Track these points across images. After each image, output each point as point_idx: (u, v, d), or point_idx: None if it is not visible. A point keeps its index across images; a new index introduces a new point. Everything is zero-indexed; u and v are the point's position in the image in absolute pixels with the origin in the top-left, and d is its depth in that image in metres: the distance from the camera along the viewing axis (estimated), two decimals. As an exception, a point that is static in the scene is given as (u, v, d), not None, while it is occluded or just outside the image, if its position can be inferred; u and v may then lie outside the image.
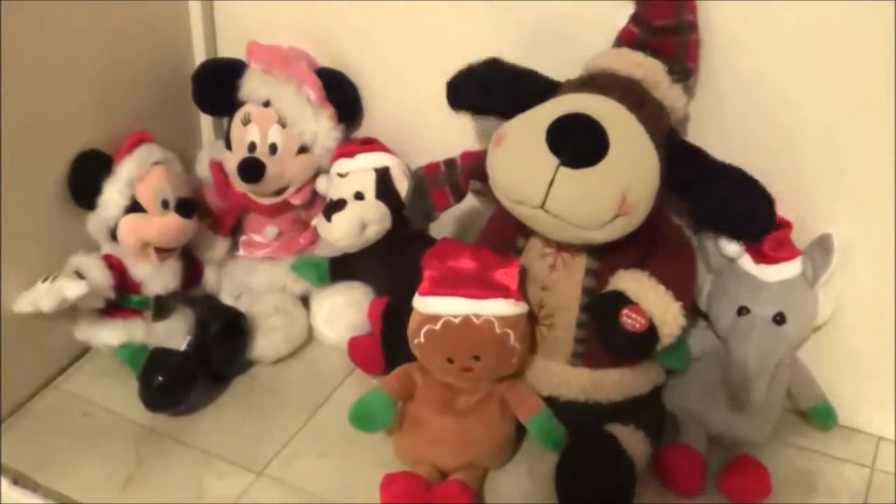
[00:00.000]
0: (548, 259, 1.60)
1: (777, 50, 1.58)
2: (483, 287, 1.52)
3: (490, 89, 1.65)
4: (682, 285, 1.55)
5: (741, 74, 1.61)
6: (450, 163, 1.71)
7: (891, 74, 1.49)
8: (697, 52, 1.60)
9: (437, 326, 1.52)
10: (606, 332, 1.51)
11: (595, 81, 1.55)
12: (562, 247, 1.58)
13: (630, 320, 1.47)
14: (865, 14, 1.48)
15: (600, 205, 1.41)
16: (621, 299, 1.49)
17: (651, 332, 1.48)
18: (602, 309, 1.52)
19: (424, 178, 1.72)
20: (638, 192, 1.43)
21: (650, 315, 1.48)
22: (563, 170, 1.39)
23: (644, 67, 1.56)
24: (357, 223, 1.84)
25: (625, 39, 1.62)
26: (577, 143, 1.40)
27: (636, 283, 1.51)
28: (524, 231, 1.60)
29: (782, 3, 1.53)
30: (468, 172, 1.68)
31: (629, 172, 1.43)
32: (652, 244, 1.57)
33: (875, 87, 1.52)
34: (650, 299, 1.49)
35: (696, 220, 1.65)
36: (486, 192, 1.66)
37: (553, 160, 1.39)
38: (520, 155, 1.45)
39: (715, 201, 1.56)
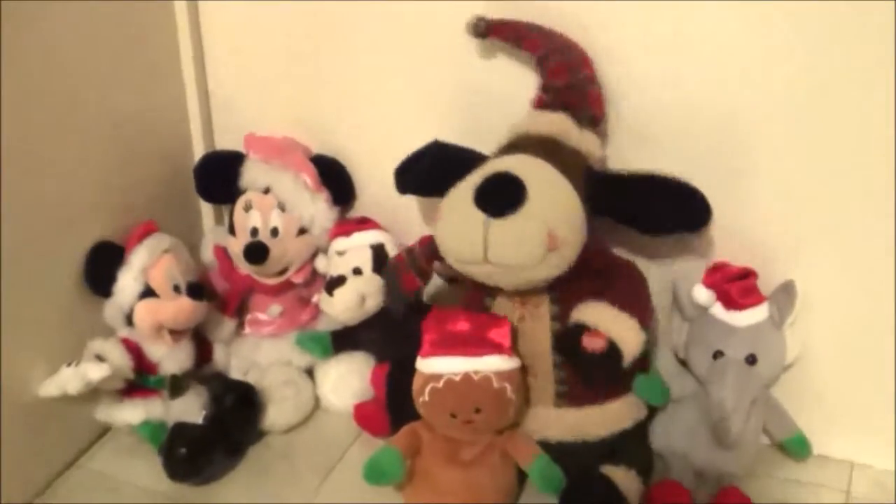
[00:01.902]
0: (516, 313, 1.71)
1: (733, 97, 1.68)
2: (479, 346, 1.62)
3: (432, 173, 1.78)
4: (634, 303, 1.64)
5: (696, 122, 1.72)
6: (410, 250, 1.83)
7: (849, 123, 1.61)
8: (601, 102, 1.74)
9: (440, 384, 1.62)
10: (574, 361, 1.64)
11: (512, 145, 1.70)
12: (525, 300, 1.70)
13: (591, 343, 1.58)
14: (827, 60, 1.59)
15: (531, 244, 1.54)
16: (580, 328, 1.60)
17: (613, 349, 1.58)
18: (565, 342, 1.64)
19: (392, 270, 1.85)
20: (562, 228, 1.56)
21: (609, 335, 1.58)
22: (493, 222, 1.53)
23: (553, 123, 1.70)
24: (357, 297, 1.93)
25: (538, 104, 1.76)
26: (499, 196, 1.54)
27: (590, 312, 1.61)
28: (490, 292, 1.72)
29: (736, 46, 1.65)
30: (427, 254, 1.78)
31: (551, 212, 1.56)
32: (605, 282, 1.67)
33: (832, 142, 1.63)
34: (606, 321, 1.60)
35: (644, 233, 1.72)
36: (449, 272, 1.78)
37: (482, 216, 1.54)
38: (456, 220, 1.60)
39: (650, 213, 1.66)
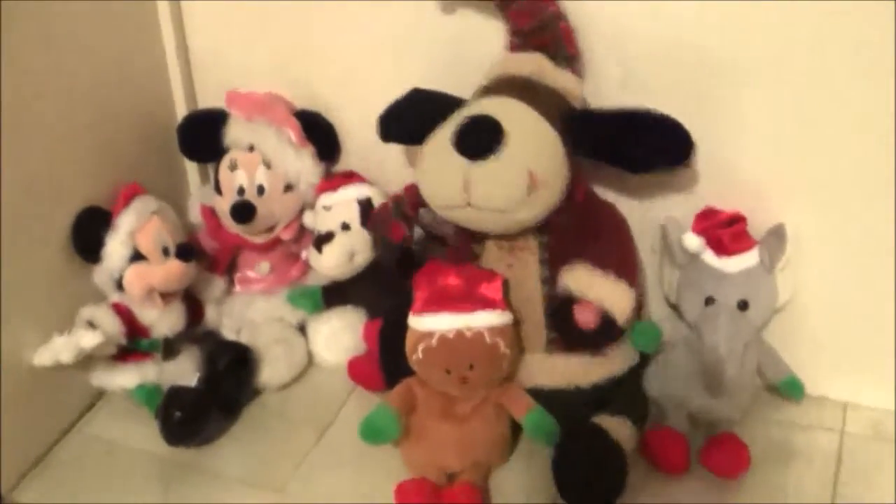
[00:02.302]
0: (504, 261, 1.72)
1: (718, 31, 1.67)
2: (471, 301, 1.63)
3: (414, 120, 1.77)
4: (621, 263, 1.65)
5: (680, 61, 1.71)
6: (396, 198, 1.83)
7: (837, 69, 1.60)
8: (574, 38, 1.73)
9: (433, 342, 1.62)
10: (570, 338, 1.65)
11: (489, 88, 1.70)
12: (513, 246, 1.71)
13: (583, 318, 1.59)
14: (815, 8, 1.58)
15: (512, 185, 1.56)
16: (570, 301, 1.61)
17: (607, 319, 1.60)
18: (558, 319, 1.65)
19: (379, 219, 1.85)
20: (543, 167, 1.58)
21: (601, 305, 1.60)
22: (473, 167, 1.55)
23: (527, 64, 1.70)
24: (346, 252, 1.95)
25: (510, 49, 1.76)
26: (478, 139, 1.56)
27: (578, 280, 1.62)
28: (477, 238, 1.73)
29: None
30: (413, 201, 1.79)
31: (530, 151, 1.57)
32: (590, 227, 1.69)
33: (821, 83, 1.62)
34: (595, 290, 1.60)
35: (627, 170, 1.71)
36: (434, 223, 1.78)
37: (463, 161, 1.55)
38: (436, 166, 1.62)
39: (632, 150, 1.66)
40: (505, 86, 1.67)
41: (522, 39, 1.73)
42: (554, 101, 1.67)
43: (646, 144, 1.65)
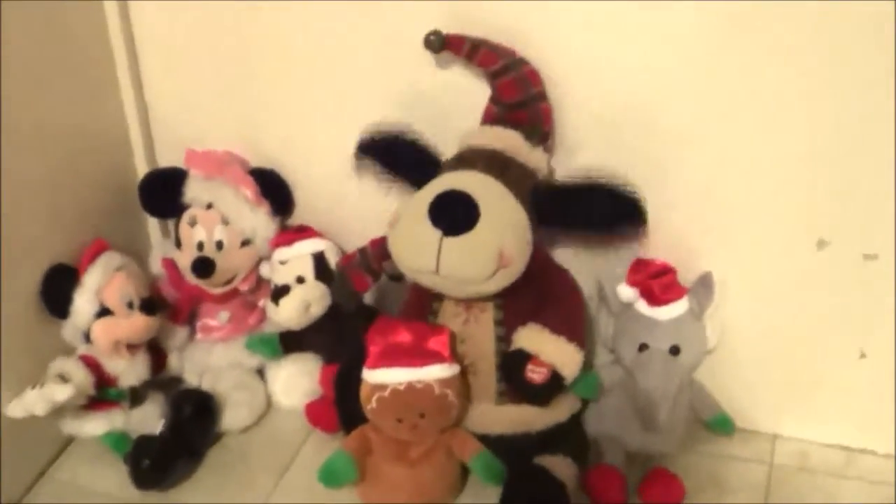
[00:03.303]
0: (461, 317, 1.81)
1: (642, 106, 1.77)
2: (421, 356, 1.72)
3: (391, 148, 1.84)
4: (572, 326, 1.75)
5: (621, 129, 1.80)
6: (362, 250, 1.91)
7: (763, 124, 1.71)
8: (551, 117, 1.81)
9: (386, 393, 1.72)
10: (519, 389, 1.73)
11: (464, 158, 1.77)
12: (470, 304, 1.80)
13: (534, 374, 1.69)
14: (734, 65, 1.68)
15: (482, 263, 1.65)
16: (523, 356, 1.70)
17: (555, 376, 1.70)
18: (509, 370, 1.74)
19: (344, 268, 1.93)
20: (512, 247, 1.67)
21: (551, 362, 1.69)
22: (446, 239, 1.63)
23: (502, 140, 1.77)
24: (302, 304, 2.02)
25: (487, 117, 1.83)
26: (454, 215, 1.64)
27: (531, 339, 1.72)
28: (436, 296, 1.81)
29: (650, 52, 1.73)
30: (379, 255, 1.87)
31: (502, 231, 1.66)
32: (543, 291, 1.78)
33: (744, 145, 1.74)
34: (548, 349, 1.70)
35: (587, 234, 1.84)
36: (398, 273, 1.83)
37: (436, 233, 1.63)
38: (410, 232, 1.69)
39: (592, 218, 1.75)
40: (479, 158, 1.74)
41: (503, 111, 1.80)
42: (524, 178, 1.75)
43: (605, 212, 1.74)
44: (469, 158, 1.76)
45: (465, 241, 1.63)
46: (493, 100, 1.81)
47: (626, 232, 1.81)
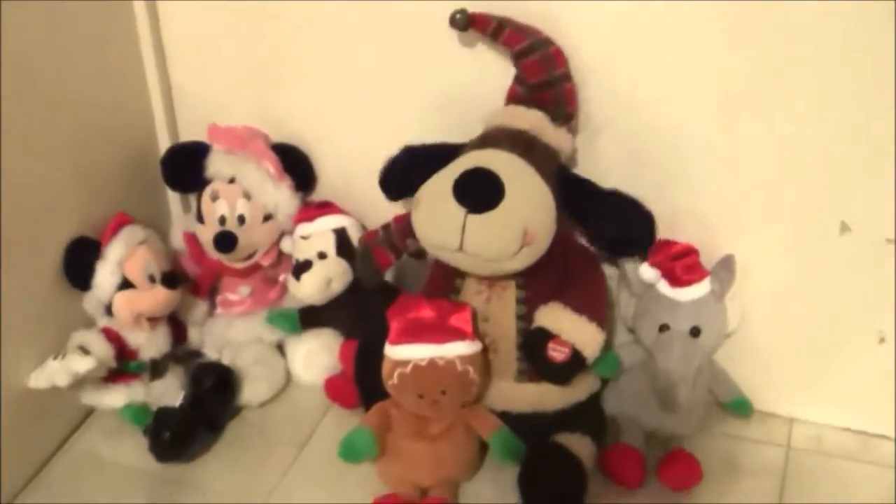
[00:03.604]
0: (483, 294, 1.81)
1: (669, 88, 1.78)
2: (443, 332, 1.73)
3: (412, 176, 1.80)
4: (594, 306, 1.76)
5: (637, 114, 1.81)
6: (385, 227, 1.90)
7: (786, 109, 1.71)
8: (575, 98, 1.81)
9: (408, 369, 1.72)
10: (540, 368, 1.74)
11: (488, 137, 1.77)
12: (493, 283, 1.80)
13: (555, 353, 1.70)
14: (764, 45, 1.68)
15: (506, 240, 1.65)
16: (545, 335, 1.71)
17: (576, 356, 1.70)
18: (531, 348, 1.75)
19: (367, 245, 1.92)
20: (536, 225, 1.67)
21: (572, 342, 1.70)
22: (471, 217, 1.63)
23: (527, 119, 1.77)
24: (323, 280, 2.03)
25: (511, 97, 1.82)
26: (478, 193, 1.64)
27: (554, 318, 1.72)
28: (459, 273, 1.81)
29: (669, 36, 1.74)
30: (402, 232, 1.86)
31: (526, 209, 1.66)
32: (566, 270, 1.78)
33: (767, 125, 1.74)
34: (569, 328, 1.71)
35: (592, 243, 1.84)
36: (420, 250, 1.83)
37: (461, 210, 1.63)
38: (434, 210, 1.69)
39: (604, 229, 1.78)
40: (504, 138, 1.74)
41: (527, 91, 1.79)
42: (549, 158, 1.75)
43: (618, 235, 1.79)
44: (494, 137, 1.76)
45: (490, 218, 1.63)
46: (518, 80, 1.81)
47: (626, 250, 1.84)
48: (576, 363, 1.71)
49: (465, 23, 1.78)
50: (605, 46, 1.79)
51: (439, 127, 1.89)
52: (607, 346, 1.83)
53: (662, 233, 1.85)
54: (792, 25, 1.64)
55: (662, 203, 1.83)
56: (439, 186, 1.68)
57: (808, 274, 1.84)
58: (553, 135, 1.78)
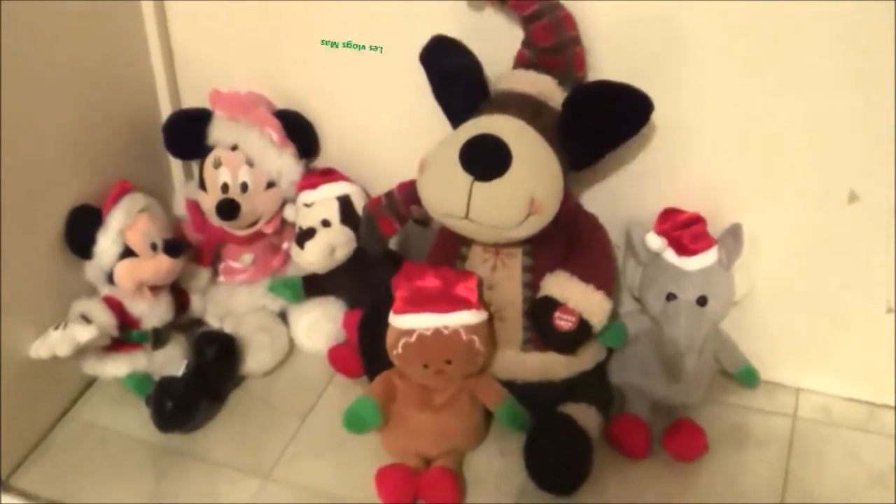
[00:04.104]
0: (489, 262, 1.80)
1: (676, 55, 1.76)
2: (448, 301, 1.71)
3: (456, 59, 1.81)
4: (601, 274, 1.74)
5: (645, 83, 1.73)
6: (389, 194, 1.89)
7: (795, 77, 1.69)
8: (584, 62, 1.78)
9: (413, 339, 1.71)
10: (546, 337, 1.73)
11: (496, 102, 1.75)
12: (499, 250, 1.78)
13: (562, 321, 1.68)
14: (781, 17, 1.65)
15: (513, 208, 1.63)
16: (551, 304, 1.70)
17: (583, 325, 1.69)
18: (537, 316, 1.73)
19: (371, 212, 1.91)
20: (543, 192, 1.65)
21: (579, 311, 1.69)
22: (477, 184, 1.61)
23: (536, 84, 1.75)
24: (327, 248, 2.01)
25: (520, 61, 1.80)
26: (485, 160, 1.62)
27: (561, 286, 1.71)
28: (465, 241, 1.80)
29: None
30: (406, 199, 1.85)
31: (533, 177, 1.64)
32: (572, 238, 1.77)
33: (775, 90, 1.71)
34: (575, 297, 1.69)
35: (608, 144, 1.76)
36: (425, 217, 1.83)
37: (468, 177, 1.61)
38: (441, 176, 1.66)
39: (607, 119, 1.71)
40: (512, 103, 1.73)
41: (536, 55, 1.77)
42: (555, 123, 1.73)
43: (618, 112, 1.71)
44: (501, 102, 1.74)
45: (497, 186, 1.61)
46: (526, 44, 1.79)
47: (636, 126, 1.75)
48: (582, 332, 1.70)
49: None
50: (617, 13, 1.77)
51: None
52: (613, 316, 1.82)
53: (670, 202, 1.84)
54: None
55: (669, 172, 1.84)
56: (445, 153, 1.66)
57: (816, 243, 1.83)
58: (561, 100, 1.75)
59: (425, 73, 1.84)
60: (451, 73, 1.82)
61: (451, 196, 1.64)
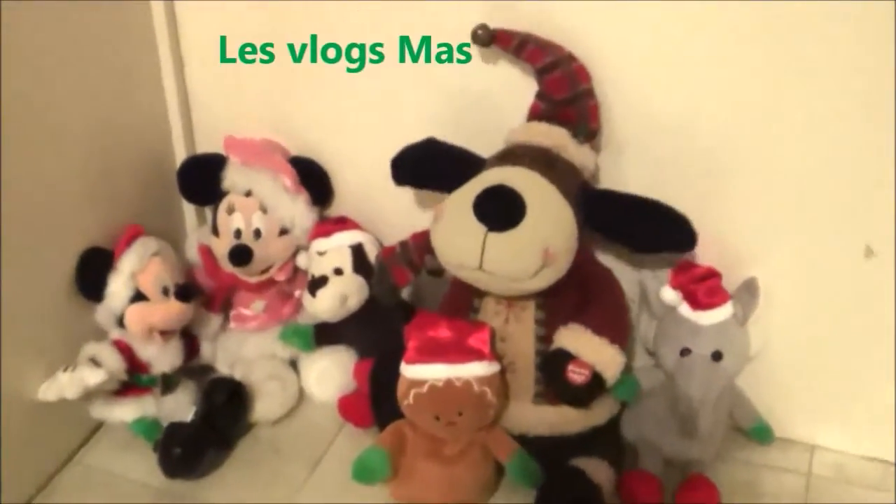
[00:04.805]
0: (501, 315, 1.79)
1: (693, 108, 1.75)
2: (460, 353, 1.71)
3: (426, 166, 1.84)
4: (615, 328, 1.72)
5: (660, 133, 1.79)
6: (403, 244, 1.88)
7: (810, 135, 1.69)
8: (598, 115, 1.79)
9: (424, 390, 1.70)
10: (559, 390, 1.71)
11: (510, 154, 1.75)
12: (511, 302, 1.77)
13: (575, 375, 1.66)
14: (787, 72, 1.66)
15: (527, 259, 1.62)
16: (565, 356, 1.67)
17: (596, 378, 1.67)
18: (550, 369, 1.72)
19: (384, 261, 1.90)
20: (557, 244, 1.64)
21: (592, 364, 1.67)
22: (491, 235, 1.60)
23: (550, 136, 1.75)
24: (339, 297, 2.00)
25: (534, 113, 1.80)
26: (499, 211, 1.61)
27: (574, 339, 1.69)
28: (477, 293, 1.79)
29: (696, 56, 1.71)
30: (420, 249, 1.84)
31: (547, 228, 1.63)
32: (586, 291, 1.76)
33: (793, 146, 1.71)
34: (589, 351, 1.67)
35: (632, 251, 1.82)
36: (438, 268, 1.80)
37: (481, 228, 1.61)
38: (454, 227, 1.66)
39: (640, 234, 1.74)
40: (526, 155, 1.72)
41: (550, 107, 1.78)
42: (570, 176, 1.73)
43: (653, 232, 1.74)
44: (515, 154, 1.74)
45: (510, 237, 1.60)
46: (540, 96, 1.79)
47: (671, 252, 1.80)
48: (596, 386, 1.68)
49: (487, 39, 1.77)
50: (630, 63, 1.77)
51: (457, 141, 1.86)
52: (627, 370, 1.80)
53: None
54: (827, 40, 1.62)
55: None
56: (460, 203, 1.65)
57: (833, 299, 1.82)
58: (575, 152, 1.76)
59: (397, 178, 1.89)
60: (429, 176, 1.84)
61: (464, 247, 1.63)
